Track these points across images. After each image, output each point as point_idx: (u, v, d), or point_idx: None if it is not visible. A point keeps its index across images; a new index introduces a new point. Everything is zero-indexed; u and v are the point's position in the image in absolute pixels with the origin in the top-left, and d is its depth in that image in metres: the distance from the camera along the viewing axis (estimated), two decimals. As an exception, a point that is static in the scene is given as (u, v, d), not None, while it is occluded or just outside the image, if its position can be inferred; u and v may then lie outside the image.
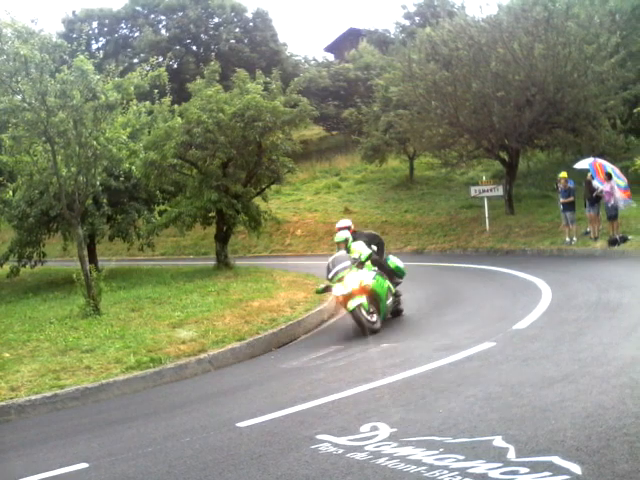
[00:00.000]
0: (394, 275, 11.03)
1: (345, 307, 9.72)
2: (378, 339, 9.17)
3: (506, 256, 18.70)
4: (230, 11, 43.15)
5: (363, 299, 9.55)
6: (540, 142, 23.22)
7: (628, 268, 13.70)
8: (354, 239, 10.66)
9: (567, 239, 17.91)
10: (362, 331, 9.43)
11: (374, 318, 9.66)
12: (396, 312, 10.79)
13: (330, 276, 10.02)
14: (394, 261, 11.21)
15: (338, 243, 10.69)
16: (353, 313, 9.52)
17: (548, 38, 20.33)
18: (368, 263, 10.08)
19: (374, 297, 9.80)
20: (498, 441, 4.60)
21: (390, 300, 10.34)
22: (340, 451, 4.81)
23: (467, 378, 6.45)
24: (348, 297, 9.57)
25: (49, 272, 21.00)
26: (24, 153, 13.15)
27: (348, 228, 11.06)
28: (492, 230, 21.28)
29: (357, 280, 9.62)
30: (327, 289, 10.27)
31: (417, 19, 44.63)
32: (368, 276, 9.83)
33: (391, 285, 10.56)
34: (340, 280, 9.77)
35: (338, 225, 11.38)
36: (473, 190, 22.84)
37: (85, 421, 6.83)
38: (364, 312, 9.54)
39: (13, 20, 11.07)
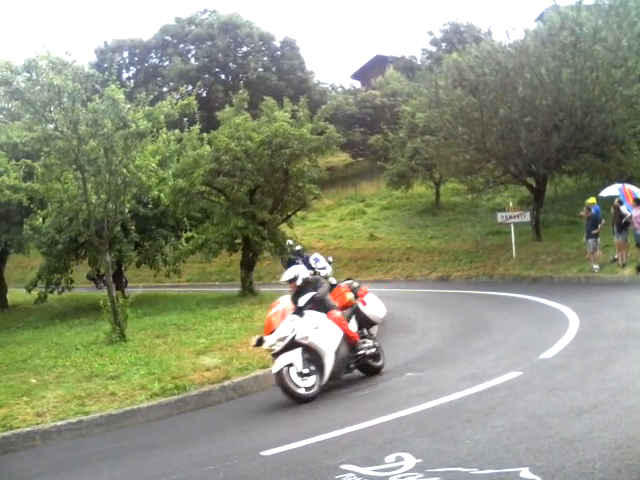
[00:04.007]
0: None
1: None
2: (402, 368, 9.07)
3: (533, 283, 18.49)
4: (258, 40, 43.81)
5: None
6: (568, 167, 23.00)
7: (659, 296, 13.47)
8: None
9: (594, 266, 17.62)
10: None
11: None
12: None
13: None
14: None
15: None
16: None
17: (575, 62, 20.26)
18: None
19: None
20: (525, 473, 4.51)
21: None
22: (364, 481, 4.75)
23: (493, 408, 6.35)
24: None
25: (76, 298, 21.24)
26: (55, 181, 13.36)
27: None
28: (519, 257, 21.06)
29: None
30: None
31: (444, 45, 44.85)
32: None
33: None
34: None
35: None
36: (500, 216, 22.68)
37: (109, 448, 6.84)
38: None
39: (49, 52, 11.35)
